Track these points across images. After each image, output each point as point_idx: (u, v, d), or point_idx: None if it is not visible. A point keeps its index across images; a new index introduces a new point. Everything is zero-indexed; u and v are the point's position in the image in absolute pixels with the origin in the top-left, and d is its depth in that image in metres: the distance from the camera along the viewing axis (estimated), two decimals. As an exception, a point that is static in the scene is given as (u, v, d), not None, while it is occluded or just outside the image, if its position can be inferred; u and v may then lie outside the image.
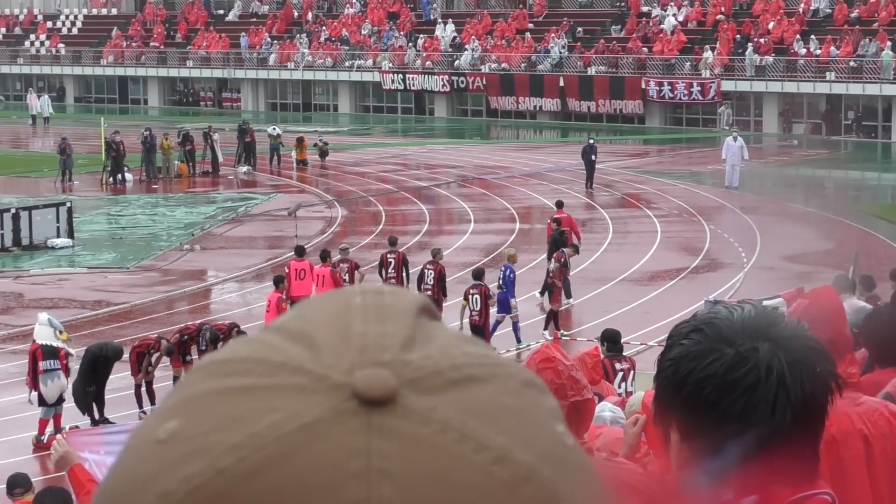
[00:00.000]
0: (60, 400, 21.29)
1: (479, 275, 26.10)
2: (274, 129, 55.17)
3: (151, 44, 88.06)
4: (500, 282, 26.34)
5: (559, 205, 33.62)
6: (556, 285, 27.48)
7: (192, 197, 47.77)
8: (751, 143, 60.50)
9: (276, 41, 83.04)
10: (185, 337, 23.13)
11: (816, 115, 65.23)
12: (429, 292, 25.31)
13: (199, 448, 0.98)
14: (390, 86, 76.83)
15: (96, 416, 21.73)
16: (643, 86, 68.10)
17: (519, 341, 25.80)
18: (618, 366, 16.92)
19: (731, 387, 2.44)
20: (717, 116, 62.58)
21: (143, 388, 22.48)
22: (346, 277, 27.15)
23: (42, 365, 21.05)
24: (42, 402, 21.15)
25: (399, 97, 77.57)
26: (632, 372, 17.11)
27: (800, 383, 2.47)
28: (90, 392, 21.62)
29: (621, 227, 38.79)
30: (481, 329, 24.72)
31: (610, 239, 36.67)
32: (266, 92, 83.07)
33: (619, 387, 16.17)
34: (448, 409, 0.99)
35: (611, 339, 17.43)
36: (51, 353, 21.16)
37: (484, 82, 73.39)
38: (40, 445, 20.92)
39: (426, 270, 26.97)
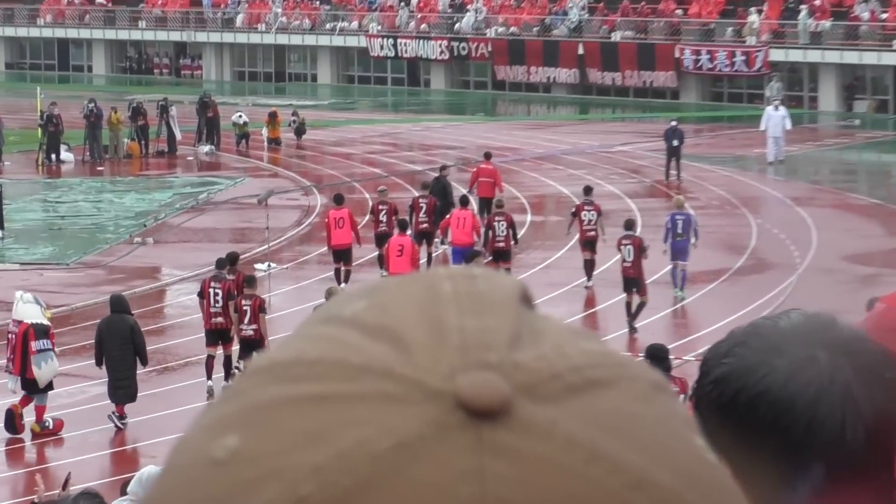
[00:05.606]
0: (49, 386, 22.00)
1: (630, 225, 29.58)
2: (239, 115, 54.68)
3: (97, 1, 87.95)
4: (681, 229, 30.12)
5: (487, 156, 39.27)
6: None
7: (145, 181, 47.74)
8: (805, 122, 60.56)
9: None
10: None
11: (882, 91, 65.14)
12: (501, 243, 30.71)
13: (271, 471, 0.92)
14: (379, 52, 76.79)
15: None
16: (677, 54, 68.05)
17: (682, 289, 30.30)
18: None
19: (790, 403, 2.30)
20: (766, 91, 62.50)
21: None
22: (385, 219, 32.22)
23: (35, 345, 21.69)
24: (34, 388, 21.80)
25: (389, 66, 77.53)
26: (681, 396, 16.93)
27: (869, 394, 2.33)
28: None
29: (651, 221, 38.63)
30: (636, 281, 28.16)
31: (638, 234, 36.55)
32: (232, 59, 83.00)
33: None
34: (572, 422, 0.94)
35: (655, 356, 17.22)
36: (43, 332, 21.93)
37: (489, 49, 73.33)
38: (44, 433, 21.85)
39: (496, 223, 30.91)
